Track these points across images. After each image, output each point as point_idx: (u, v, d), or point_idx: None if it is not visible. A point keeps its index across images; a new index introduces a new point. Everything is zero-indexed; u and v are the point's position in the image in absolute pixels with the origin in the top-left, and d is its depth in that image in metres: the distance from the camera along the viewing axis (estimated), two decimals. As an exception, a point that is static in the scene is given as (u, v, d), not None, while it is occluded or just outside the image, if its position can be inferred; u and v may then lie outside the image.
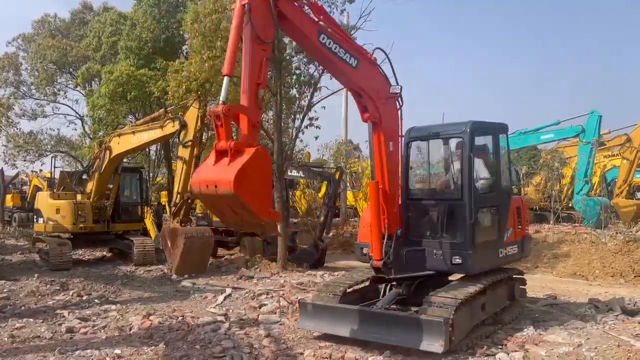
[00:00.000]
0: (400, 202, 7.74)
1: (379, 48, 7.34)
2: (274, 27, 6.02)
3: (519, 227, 8.31)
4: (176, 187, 13.60)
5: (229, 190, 5.15)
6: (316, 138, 26.11)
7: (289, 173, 14.92)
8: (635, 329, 7.68)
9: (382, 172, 7.21)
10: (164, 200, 22.52)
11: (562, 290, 10.99)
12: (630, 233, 15.30)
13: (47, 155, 31.57)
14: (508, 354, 6.52)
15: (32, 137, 32.79)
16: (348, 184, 24.85)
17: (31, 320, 8.45)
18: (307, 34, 6.51)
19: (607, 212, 17.92)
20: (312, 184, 22.86)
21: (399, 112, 7.38)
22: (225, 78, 5.73)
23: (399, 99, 7.34)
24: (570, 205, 21.24)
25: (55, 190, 15.60)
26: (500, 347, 6.88)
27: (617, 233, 15.54)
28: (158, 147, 26.16)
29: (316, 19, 6.61)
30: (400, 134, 7.45)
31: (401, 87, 7.22)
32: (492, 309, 7.66)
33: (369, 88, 7.06)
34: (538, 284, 11.49)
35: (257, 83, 5.84)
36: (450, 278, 7.83)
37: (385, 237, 7.18)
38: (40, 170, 30.36)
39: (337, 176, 14.91)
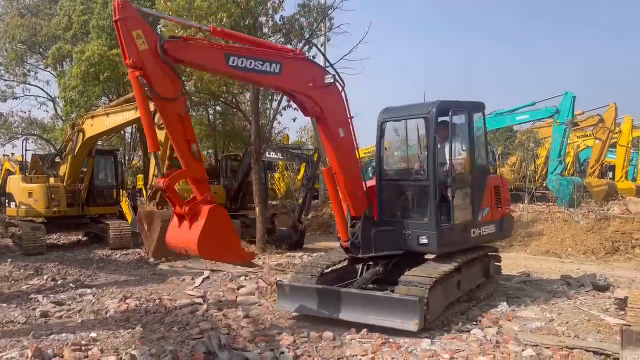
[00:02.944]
0: (374, 183, 7.79)
1: (310, 40, 7.13)
2: (178, 80, 5.88)
3: (498, 206, 8.32)
4: (152, 170, 13.40)
5: (196, 254, 5.79)
6: (294, 120, 25.99)
7: (267, 155, 14.84)
8: (605, 303, 7.91)
9: (337, 158, 7.14)
10: (140, 183, 22.24)
11: (535, 268, 11.23)
12: (601, 211, 15.66)
13: (18, 138, 30.78)
14: (482, 330, 6.65)
15: (2, 119, 31.89)
16: (327, 166, 24.81)
17: (4, 305, 8.32)
18: (214, 65, 6.24)
19: (580, 191, 18.27)
20: (291, 166, 22.80)
21: (343, 93, 7.13)
22: (153, 154, 5.92)
23: (339, 81, 7.06)
24: (544, 184, 21.61)
25: (27, 174, 15.28)
26: (474, 323, 7.02)
27: (589, 212, 15.89)
28: (133, 130, 25.68)
29: (220, 44, 6.31)
30: (349, 115, 7.23)
31: (334, 75, 6.95)
32: (467, 287, 7.79)
33: (300, 86, 6.79)
34: (512, 261, 11.72)
35: (186, 140, 5.85)
36: (426, 257, 7.92)
37: (349, 218, 7.26)
38: (12, 154, 29.63)
39: (315, 158, 14.86)
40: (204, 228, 5.68)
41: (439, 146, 7.44)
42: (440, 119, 7.51)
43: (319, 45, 6.70)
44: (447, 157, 7.42)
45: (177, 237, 6.06)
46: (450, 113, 7.49)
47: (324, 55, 7.15)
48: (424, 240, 7.26)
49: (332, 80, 6.93)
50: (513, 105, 20.06)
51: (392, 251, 7.58)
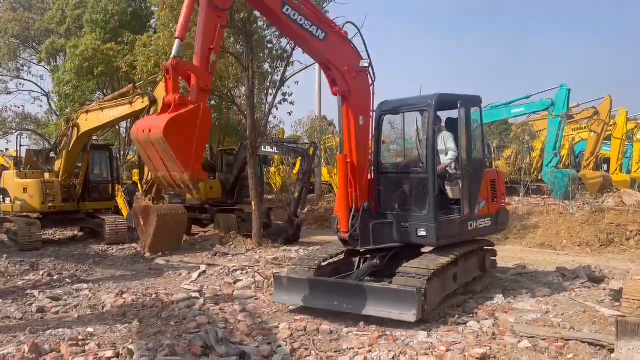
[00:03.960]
0: (372, 176, 7.78)
1: (350, 22, 7.28)
2: None
3: (494, 200, 8.33)
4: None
5: (159, 135, 5.18)
6: (290, 114, 25.91)
7: (263, 149, 14.80)
8: (600, 295, 7.95)
9: (351, 146, 7.22)
10: (136, 178, 22.17)
11: (531, 260, 11.28)
12: (596, 204, 15.71)
13: (12, 133, 30.69)
14: (479, 322, 6.68)
15: (-5, 114, 31.75)
16: (322, 160, 24.85)
17: (0, 301, 8.28)
18: (270, 4, 6.42)
19: (575, 183, 18.34)
20: (287, 160, 22.79)
21: (371, 87, 7.34)
22: (177, 40, 5.72)
23: (371, 74, 7.28)
24: (539, 177, 21.68)
25: (22, 169, 15.20)
26: (471, 315, 7.05)
27: (584, 204, 15.93)
28: (128, 124, 25.59)
29: None
30: (371, 108, 7.41)
31: (370, 62, 7.15)
32: (463, 279, 7.82)
33: (337, 61, 7.00)
34: (508, 254, 11.76)
35: (210, 48, 5.84)
36: (423, 250, 7.94)
37: (353, 210, 7.25)
38: (7, 150, 29.50)
39: (311, 152, 14.84)
40: (181, 114, 5.30)
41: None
42: (423, 114, 7.59)
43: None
44: (456, 149, 7.57)
45: (146, 121, 5.71)
46: (458, 106, 7.55)
47: (363, 41, 7.27)
48: (422, 233, 7.28)
49: (367, 65, 7.12)
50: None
51: (391, 244, 7.59)
